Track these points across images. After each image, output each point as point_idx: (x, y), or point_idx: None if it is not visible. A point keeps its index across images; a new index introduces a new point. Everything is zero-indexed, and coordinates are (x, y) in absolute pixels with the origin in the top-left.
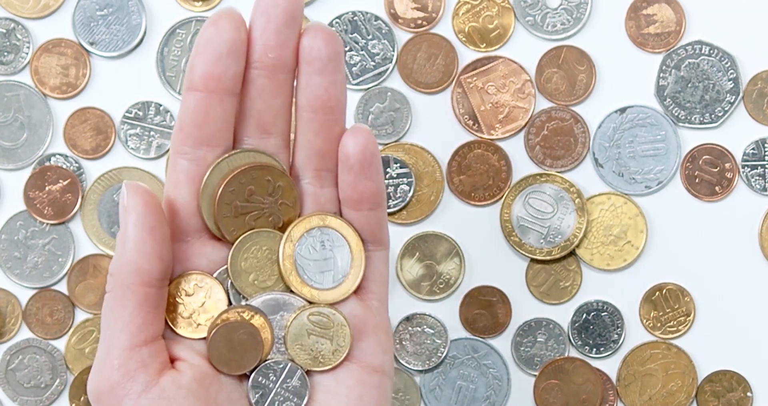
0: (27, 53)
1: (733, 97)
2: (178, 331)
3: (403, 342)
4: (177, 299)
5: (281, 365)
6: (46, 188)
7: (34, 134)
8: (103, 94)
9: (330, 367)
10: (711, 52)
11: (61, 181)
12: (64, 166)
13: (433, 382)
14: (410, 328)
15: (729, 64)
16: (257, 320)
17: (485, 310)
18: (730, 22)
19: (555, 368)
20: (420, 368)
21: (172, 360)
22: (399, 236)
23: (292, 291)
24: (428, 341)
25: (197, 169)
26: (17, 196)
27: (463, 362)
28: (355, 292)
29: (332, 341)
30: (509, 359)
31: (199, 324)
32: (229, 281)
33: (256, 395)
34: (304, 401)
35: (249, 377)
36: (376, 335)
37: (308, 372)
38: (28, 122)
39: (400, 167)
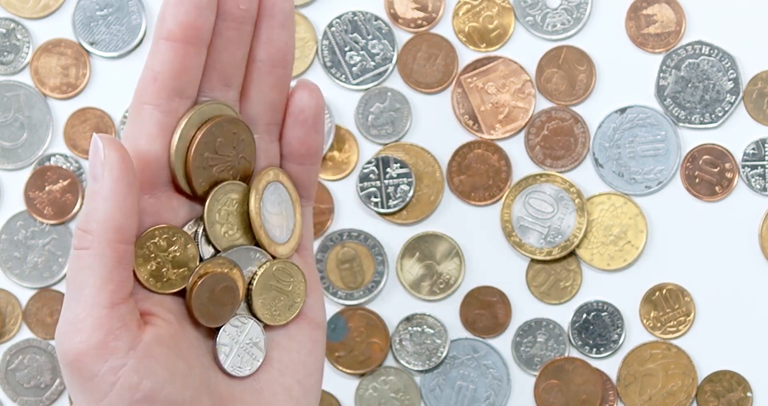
0: (27, 53)
1: (733, 97)
2: (149, 286)
3: (403, 342)
4: (148, 254)
5: (245, 321)
6: (46, 188)
7: (34, 134)
8: (103, 94)
9: (285, 322)
10: (711, 52)
11: (61, 181)
12: (64, 167)
13: (433, 382)
14: (410, 328)
15: (729, 64)
16: (235, 274)
17: (485, 310)
18: (730, 22)
19: (555, 368)
20: (420, 368)
21: (143, 317)
22: (399, 235)
23: (256, 244)
24: (428, 341)
25: (169, 121)
26: (17, 196)
27: (463, 362)
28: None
29: (289, 296)
30: (509, 359)
31: (168, 279)
32: (199, 234)
33: (223, 352)
34: (263, 357)
35: (215, 332)
36: (317, 291)
37: (265, 327)
38: (28, 122)
39: (400, 167)
